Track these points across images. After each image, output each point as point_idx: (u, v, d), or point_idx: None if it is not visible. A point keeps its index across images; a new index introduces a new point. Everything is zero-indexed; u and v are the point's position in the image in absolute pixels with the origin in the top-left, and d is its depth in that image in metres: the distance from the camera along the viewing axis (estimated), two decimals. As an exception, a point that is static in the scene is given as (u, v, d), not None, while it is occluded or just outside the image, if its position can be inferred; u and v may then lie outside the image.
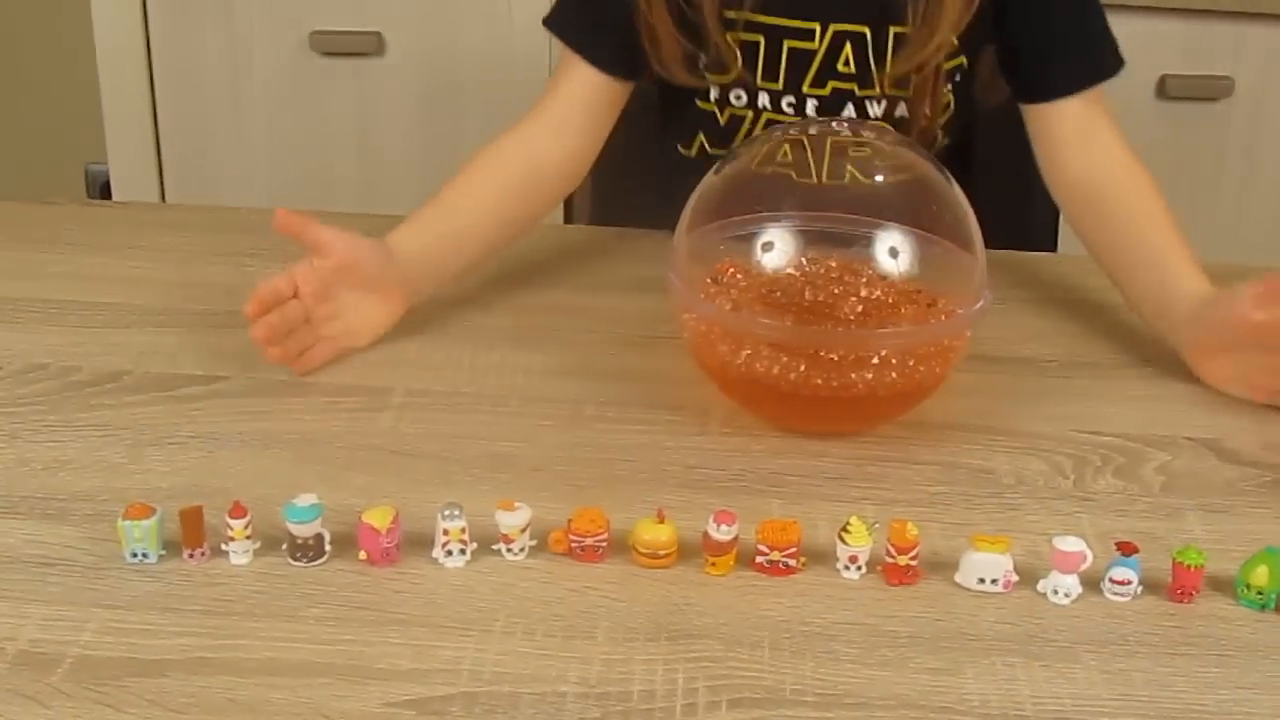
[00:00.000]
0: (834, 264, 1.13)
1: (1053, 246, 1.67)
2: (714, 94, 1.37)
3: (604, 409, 1.13)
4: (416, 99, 2.26)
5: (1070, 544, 0.92)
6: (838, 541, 0.94)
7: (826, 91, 1.34)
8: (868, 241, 1.11)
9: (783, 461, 1.07)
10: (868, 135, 1.14)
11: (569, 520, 0.94)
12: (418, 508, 0.95)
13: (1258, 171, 2.28)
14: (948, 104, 1.38)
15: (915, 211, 1.10)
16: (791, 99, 1.34)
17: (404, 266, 1.21)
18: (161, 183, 2.34)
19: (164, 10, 2.23)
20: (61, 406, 1.11)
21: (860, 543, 0.93)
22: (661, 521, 0.94)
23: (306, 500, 0.92)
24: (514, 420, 1.11)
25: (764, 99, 1.35)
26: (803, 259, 1.13)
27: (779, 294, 1.11)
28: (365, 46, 2.23)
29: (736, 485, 1.04)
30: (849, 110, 1.34)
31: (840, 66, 1.32)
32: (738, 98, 1.35)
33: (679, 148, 1.45)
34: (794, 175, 1.13)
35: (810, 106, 1.34)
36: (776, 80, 1.33)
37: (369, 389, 1.14)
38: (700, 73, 1.35)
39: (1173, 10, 2.18)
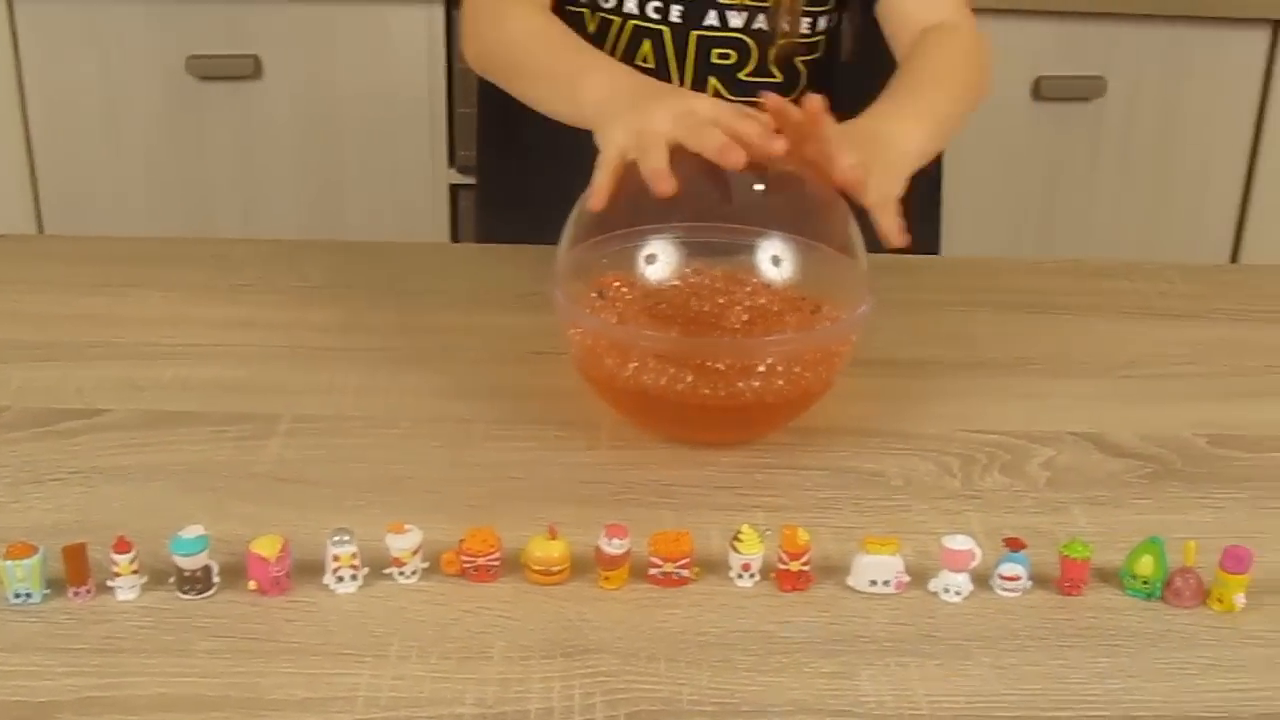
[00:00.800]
0: (718, 274, 1.13)
1: (935, 250, 1.70)
2: None
3: (492, 427, 1.13)
4: (295, 122, 2.25)
5: (959, 542, 0.93)
6: (730, 550, 0.94)
7: None
8: (751, 250, 1.11)
9: (673, 473, 1.07)
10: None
11: (461, 541, 0.94)
12: (307, 535, 0.94)
13: (1131, 168, 2.33)
14: (809, 38, 1.43)
15: (797, 219, 1.11)
16: (658, 3, 1.39)
17: None
18: (39, 213, 2.30)
19: (35, 38, 2.19)
20: (-62, 446, 1.08)
21: (752, 550, 0.94)
22: (553, 538, 0.94)
23: (193, 532, 0.91)
24: (403, 442, 1.11)
25: (631, 2, 1.39)
26: (687, 270, 1.13)
27: (664, 306, 1.11)
28: (242, 70, 2.21)
29: (627, 498, 1.04)
30: (711, 18, 1.40)
31: None
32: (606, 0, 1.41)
33: None
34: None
35: (675, 12, 1.39)
36: None
37: (254, 416, 1.13)
38: None
39: (1046, 12, 2.22)
